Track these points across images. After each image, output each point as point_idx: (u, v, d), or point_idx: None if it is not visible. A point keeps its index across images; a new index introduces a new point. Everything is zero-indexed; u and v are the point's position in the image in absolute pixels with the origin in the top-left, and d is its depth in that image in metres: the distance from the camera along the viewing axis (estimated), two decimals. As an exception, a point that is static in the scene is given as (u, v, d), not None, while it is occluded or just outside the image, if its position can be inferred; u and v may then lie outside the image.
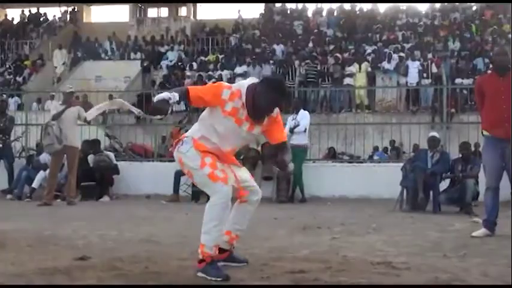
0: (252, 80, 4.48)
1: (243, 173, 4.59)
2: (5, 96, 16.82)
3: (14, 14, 31.96)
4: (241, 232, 4.68)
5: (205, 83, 21.54)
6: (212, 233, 4.26)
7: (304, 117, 11.55)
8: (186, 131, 4.69)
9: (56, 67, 26.09)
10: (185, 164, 4.40)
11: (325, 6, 27.67)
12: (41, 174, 11.72)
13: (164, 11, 32.35)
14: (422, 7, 26.92)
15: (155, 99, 4.12)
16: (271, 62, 21.35)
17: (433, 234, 6.68)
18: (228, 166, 4.45)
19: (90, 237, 6.22)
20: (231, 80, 21.25)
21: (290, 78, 19.74)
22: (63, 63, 26.17)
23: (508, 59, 6.58)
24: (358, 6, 27.56)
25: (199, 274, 4.25)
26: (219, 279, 4.16)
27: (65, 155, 10.64)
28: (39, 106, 21.48)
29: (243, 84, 4.40)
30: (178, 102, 4.14)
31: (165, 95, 4.10)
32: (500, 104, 6.36)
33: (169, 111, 4.08)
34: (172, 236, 6.36)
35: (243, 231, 4.71)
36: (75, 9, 31.79)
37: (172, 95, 4.10)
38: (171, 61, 24.74)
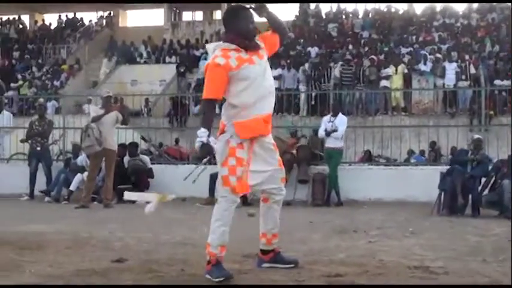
0: (213, 43, 4.62)
1: (276, 167, 4.56)
2: (42, 100, 17.05)
3: (52, 19, 32.53)
4: (276, 230, 4.67)
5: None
6: (216, 232, 4.32)
7: (342, 122, 11.47)
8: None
9: (101, 73, 26.51)
10: (216, 150, 4.40)
11: (360, 8, 27.54)
12: (78, 177, 11.86)
13: (199, 15, 32.56)
14: (460, 7, 26.59)
15: (197, 149, 4.32)
16: (306, 64, 21.28)
17: (471, 239, 6.57)
18: (261, 159, 4.46)
19: (127, 240, 6.26)
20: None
21: (325, 80, 19.66)
22: (109, 71, 26.55)
23: None
24: (394, 7, 27.35)
25: (207, 276, 4.27)
26: (221, 278, 4.18)
27: (103, 158, 10.77)
28: (78, 109, 21.75)
29: (218, 43, 4.51)
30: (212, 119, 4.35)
31: (198, 142, 4.27)
32: None
33: (213, 149, 4.30)
34: (208, 238, 6.35)
35: (278, 230, 4.70)
36: (111, 14, 32.18)
37: (202, 135, 4.27)
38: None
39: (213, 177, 11.52)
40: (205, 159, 4.49)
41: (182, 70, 24.12)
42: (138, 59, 27.57)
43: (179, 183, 12.46)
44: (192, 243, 5.98)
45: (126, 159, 12.20)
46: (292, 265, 4.65)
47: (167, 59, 26.97)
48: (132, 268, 4.63)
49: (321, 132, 11.49)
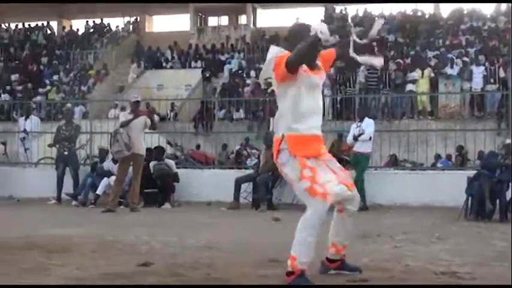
0: (277, 48, 4.46)
1: (342, 173, 4.46)
2: (70, 105, 17.25)
3: (79, 24, 32.92)
4: (347, 242, 4.59)
5: (265, 90, 21.66)
6: (304, 246, 4.21)
7: (369, 125, 11.43)
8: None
9: (129, 78, 26.76)
10: (286, 174, 4.33)
11: (386, 11, 27.42)
12: (104, 181, 11.96)
13: (224, 20, 32.68)
14: (487, 10, 26.33)
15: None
16: (331, 68, 21.23)
17: (499, 244, 6.49)
18: (326, 166, 4.34)
19: (153, 244, 6.29)
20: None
21: (350, 84, 19.60)
22: (136, 76, 26.79)
23: None
24: (420, 10, 27.19)
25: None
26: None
27: (131, 162, 10.85)
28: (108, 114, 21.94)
29: (279, 49, 4.41)
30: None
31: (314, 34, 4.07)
32: None
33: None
34: (233, 243, 6.38)
35: (349, 241, 4.63)
36: (138, 20, 32.45)
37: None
38: (231, 69, 24.95)
39: (238, 182, 11.57)
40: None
41: (208, 75, 24.23)
42: (164, 64, 27.78)
43: (205, 188, 12.66)
44: (217, 248, 5.99)
45: (152, 163, 12.28)
46: (357, 272, 4.58)
47: (193, 63, 27.13)
48: (157, 272, 4.65)
49: (350, 139, 11.46)
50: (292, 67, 4.18)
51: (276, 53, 4.35)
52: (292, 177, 4.27)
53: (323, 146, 4.46)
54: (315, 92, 4.36)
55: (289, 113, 4.30)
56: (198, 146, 17.22)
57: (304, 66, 4.26)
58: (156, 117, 12.45)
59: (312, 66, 4.34)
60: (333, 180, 4.27)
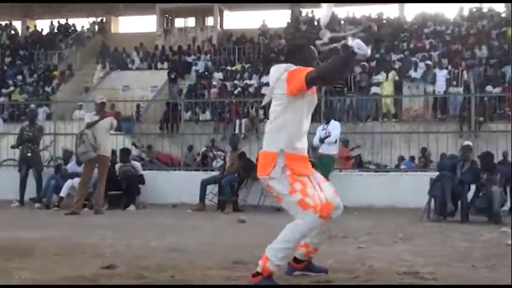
0: (284, 65, 4.38)
1: (326, 186, 4.43)
2: (33, 106, 17.02)
3: (44, 25, 32.48)
4: (319, 245, 4.60)
5: (232, 92, 21.68)
6: (283, 253, 4.19)
7: (335, 127, 11.54)
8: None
9: (95, 79, 26.52)
10: (273, 187, 4.27)
11: (351, 15, 27.67)
12: (68, 183, 11.83)
13: (191, 21, 32.59)
14: (450, 15, 26.75)
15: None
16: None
17: (461, 244, 6.61)
18: (314, 180, 4.32)
19: (117, 246, 6.25)
20: (258, 89, 21.33)
21: (317, 89, 19.70)
22: (101, 77, 26.56)
23: None
24: (385, 14, 27.52)
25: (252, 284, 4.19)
26: None
27: (96, 164, 10.77)
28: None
29: (286, 66, 4.34)
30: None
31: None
32: None
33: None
34: (199, 244, 6.37)
35: (321, 245, 4.64)
36: (103, 20, 32.18)
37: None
38: (198, 70, 24.93)
39: (204, 184, 11.56)
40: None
41: (174, 76, 24.16)
42: (129, 65, 27.61)
43: (170, 190, 12.61)
44: (182, 250, 5.98)
45: (118, 165, 12.19)
46: (323, 273, 4.60)
47: (159, 65, 27.03)
48: (121, 274, 4.63)
49: (316, 141, 11.53)
50: (315, 83, 4.17)
51: (284, 70, 4.29)
52: (282, 191, 4.22)
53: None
54: (310, 110, 4.38)
55: (292, 129, 4.27)
56: (149, 146, 17.13)
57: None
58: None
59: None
60: (321, 192, 4.29)
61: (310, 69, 4.18)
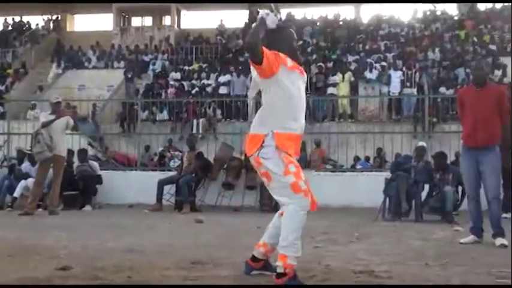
0: None
1: None
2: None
3: (-3, 22, 31.86)
4: (276, 245, 4.50)
5: (189, 92, 21.61)
6: (296, 244, 4.16)
7: None
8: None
9: (49, 78, 26.09)
10: (265, 166, 4.20)
11: (309, 16, 27.88)
12: (22, 183, 11.64)
13: (148, 20, 32.36)
14: (405, 17, 27.21)
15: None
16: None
17: (415, 243, 6.72)
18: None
19: (72, 247, 6.17)
20: (216, 89, 21.30)
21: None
22: (56, 76, 26.16)
23: (484, 74, 6.91)
24: (342, 16, 27.81)
25: None
26: None
27: (51, 164, 10.61)
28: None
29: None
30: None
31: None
32: (475, 115, 6.65)
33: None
34: (156, 245, 6.34)
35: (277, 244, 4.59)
36: (59, 18, 31.70)
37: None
38: (155, 70, 24.77)
39: (161, 184, 11.50)
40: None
41: (130, 75, 23.96)
42: (85, 64, 27.27)
43: (127, 190, 12.52)
44: (139, 250, 5.94)
45: (75, 165, 12.06)
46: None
47: (115, 64, 26.77)
48: (77, 275, 4.57)
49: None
50: (253, 55, 4.15)
51: None
52: (276, 171, 4.16)
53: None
54: (300, 90, 4.33)
55: (280, 110, 4.23)
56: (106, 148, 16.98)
57: (291, 64, 4.24)
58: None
59: (298, 63, 4.37)
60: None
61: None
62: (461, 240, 6.68)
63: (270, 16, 4.26)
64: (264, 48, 4.16)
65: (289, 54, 4.33)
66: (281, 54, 4.24)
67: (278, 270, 4.16)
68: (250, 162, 4.41)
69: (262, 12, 4.25)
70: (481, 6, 27.58)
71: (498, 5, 26.85)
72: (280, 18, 4.51)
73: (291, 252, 4.14)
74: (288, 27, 4.53)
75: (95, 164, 12.51)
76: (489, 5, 27.18)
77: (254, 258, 4.60)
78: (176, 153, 16.26)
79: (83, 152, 12.43)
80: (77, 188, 11.82)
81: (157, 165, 15.89)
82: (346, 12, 28.92)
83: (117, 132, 19.23)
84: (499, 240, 6.46)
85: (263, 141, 4.20)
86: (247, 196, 11.67)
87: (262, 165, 4.21)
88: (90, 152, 15.28)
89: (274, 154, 4.17)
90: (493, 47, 23.13)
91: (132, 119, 18.74)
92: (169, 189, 11.70)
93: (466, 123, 6.83)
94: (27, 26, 30.84)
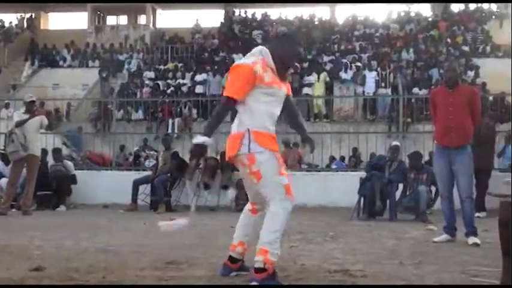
0: (259, 48, 4.47)
1: None
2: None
3: (-31, 20, 31.44)
4: (254, 242, 4.53)
5: (164, 91, 21.53)
6: (277, 242, 4.19)
7: None
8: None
9: (23, 76, 25.82)
10: (258, 164, 4.20)
11: (284, 16, 27.95)
12: (-6, 183, 11.52)
13: (123, 19, 32.18)
14: (380, 18, 27.41)
15: (194, 142, 4.26)
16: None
17: (389, 242, 6.78)
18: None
19: (46, 248, 6.12)
20: (191, 89, 21.25)
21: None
22: (30, 75, 25.90)
23: (456, 75, 7.01)
24: (317, 16, 27.93)
25: (253, 283, 4.14)
26: None
27: (25, 164, 10.50)
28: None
29: (259, 52, 4.41)
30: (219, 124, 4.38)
31: (199, 140, 4.23)
32: (448, 115, 6.76)
33: (206, 153, 4.39)
34: (131, 245, 6.31)
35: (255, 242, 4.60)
36: (33, 16, 31.37)
37: (206, 140, 4.23)
38: (130, 69, 24.65)
39: (136, 184, 11.44)
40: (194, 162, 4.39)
41: (105, 75, 23.81)
42: (60, 63, 27.03)
43: (101, 190, 12.42)
44: (114, 250, 5.91)
45: (50, 164, 11.95)
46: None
47: (90, 63, 26.60)
48: (51, 276, 4.53)
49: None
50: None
51: (252, 56, 4.41)
52: (269, 170, 4.19)
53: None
54: (277, 101, 4.39)
55: (256, 113, 4.29)
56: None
57: (268, 79, 4.27)
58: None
59: (282, 76, 4.39)
60: None
61: (232, 83, 4.32)
62: (435, 239, 6.76)
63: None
64: (236, 90, 4.26)
65: (285, 65, 4.38)
66: (258, 72, 4.24)
67: (257, 266, 4.16)
68: (233, 161, 4.45)
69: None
70: (455, 8, 27.94)
71: (472, 7, 27.22)
72: None
73: (272, 249, 4.15)
74: (289, 35, 4.57)
75: (69, 164, 12.41)
76: (462, 7, 27.54)
77: (232, 259, 4.59)
78: (151, 152, 16.19)
79: (57, 152, 12.32)
80: (51, 188, 11.71)
81: (132, 164, 15.80)
82: (322, 12, 29.06)
83: (91, 131, 19.08)
84: (472, 239, 6.54)
85: (241, 139, 4.25)
86: (223, 196, 11.66)
87: (254, 164, 4.22)
88: (65, 151, 15.14)
89: (264, 150, 4.22)
90: (466, 48, 23.44)
91: (107, 118, 18.61)
92: (145, 189, 11.65)
93: (438, 123, 6.94)
94: (0, 24, 30.46)
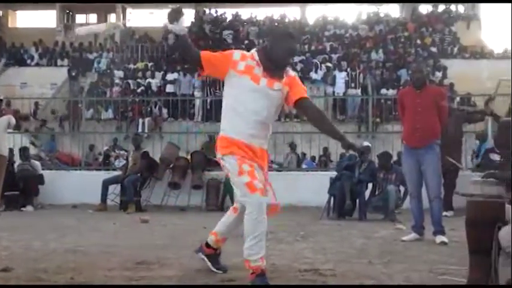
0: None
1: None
2: None
3: None
4: (228, 236, 4.76)
5: (134, 91, 21.40)
6: (257, 247, 4.15)
7: None
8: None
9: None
10: (225, 166, 4.31)
11: (254, 16, 27.99)
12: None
13: (93, 17, 31.91)
14: (349, 19, 27.60)
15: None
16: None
17: (358, 241, 6.83)
18: (260, 168, 4.34)
19: (14, 248, 6.05)
20: (162, 88, 21.16)
21: (220, 87, 19.80)
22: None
23: (423, 76, 7.08)
24: (288, 16, 28.02)
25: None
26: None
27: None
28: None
29: (253, 50, 4.44)
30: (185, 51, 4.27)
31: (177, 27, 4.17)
32: (415, 116, 6.86)
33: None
34: (100, 245, 6.27)
35: (229, 236, 4.78)
36: (0, 14, 30.92)
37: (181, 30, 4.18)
38: (100, 68, 24.45)
39: (106, 184, 11.36)
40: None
41: (74, 73, 23.58)
42: (28, 61, 26.68)
43: (70, 190, 12.30)
44: (83, 251, 5.86)
45: (17, 164, 11.78)
46: (220, 271, 4.67)
47: (59, 61, 26.29)
48: (19, 277, 4.49)
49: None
50: (189, 61, 4.45)
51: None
52: (232, 170, 4.22)
53: (262, 157, 4.41)
54: (247, 98, 4.24)
55: (229, 115, 4.31)
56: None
57: (242, 68, 4.23)
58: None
59: (270, 71, 4.27)
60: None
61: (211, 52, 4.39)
62: (403, 238, 6.84)
63: (177, 25, 4.22)
64: (207, 52, 4.28)
65: (273, 61, 4.28)
66: (234, 57, 4.26)
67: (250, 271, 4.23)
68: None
69: (170, 27, 4.22)
70: (423, 9, 28.29)
71: (440, 8, 27.59)
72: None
73: (251, 257, 4.18)
74: (293, 38, 4.41)
75: (37, 164, 12.26)
76: (430, 8, 27.91)
77: (207, 244, 4.77)
78: (121, 152, 16.08)
79: (25, 150, 12.16)
80: (18, 188, 11.55)
81: (102, 164, 15.68)
82: (292, 12, 29.17)
83: (60, 131, 18.89)
84: (440, 238, 6.63)
85: (218, 142, 4.37)
86: (193, 196, 11.63)
87: (224, 167, 4.33)
88: (33, 151, 14.96)
89: (229, 158, 4.25)
90: (434, 49, 23.74)
91: (76, 117, 18.44)
92: (114, 189, 11.56)
93: (406, 123, 7.05)
94: (-34, 21, 30.05)
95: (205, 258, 4.76)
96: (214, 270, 4.69)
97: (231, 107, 4.30)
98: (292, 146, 15.61)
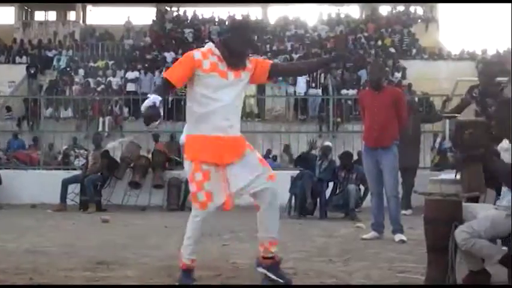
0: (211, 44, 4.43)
1: (244, 173, 4.43)
2: None
3: None
4: (272, 237, 4.54)
5: (95, 89, 21.17)
6: (188, 249, 4.25)
7: None
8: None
9: None
10: (185, 169, 4.35)
11: (217, 15, 27.97)
12: None
13: (52, 15, 31.45)
14: (310, 19, 27.80)
15: (143, 108, 3.95)
16: (162, 68, 21.25)
17: (319, 240, 6.90)
18: (223, 175, 4.26)
19: (-29, 249, 5.95)
20: (122, 87, 20.98)
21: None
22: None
23: (379, 77, 7.16)
24: (250, 16, 28.05)
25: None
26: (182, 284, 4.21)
27: None
28: None
29: (208, 44, 4.41)
30: (164, 97, 4.12)
31: (149, 101, 3.93)
32: (373, 116, 6.97)
33: (161, 114, 4.00)
34: (60, 246, 6.20)
35: (274, 236, 4.56)
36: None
37: (155, 98, 3.95)
38: (59, 66, 24.11)
39: (65, 183, 11.23)
40: (154, 123, 3.95)
41: (33, 71, 23.21)
42: (-16, 59, 26.18)
43: (29, 189, 12.12)
44: (42, 251, 5.80)
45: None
46: (282, 282, 4.33)
47: (17, 59, 25.83)
48: (-24, 279, 4.42)
49: (182, 139, 11.50)
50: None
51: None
52: (187, 176, 4.28)
53: (235, 148, 4.38)
54: (217, 93, 4.22)
55: (194, 111, 4.29)
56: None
57: (207, 66, 4.21)
58: None
59: (232, 64, 4.26)
60: (237, 182, 4.36)
61: (172, 68, 4.32)
62: (363, 237, 6.93)
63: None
64: (170, 71, 4.27)
65: (234, 53, 4.27)
66: (196, 57, 4.23)
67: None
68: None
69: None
70: (383, 11, 28.66)
71: (400, 9, 27.98)
72: None
73: (184, 255, 4.25)
74: (251, 30, 4.44)
75: (-7, 164, 12.07)
76: (389, 9, 28.29)
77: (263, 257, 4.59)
78: (81, 151, 15.88)
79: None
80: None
81: (61, 164, 15.45)
82: (254, 12, 29.21)
83: (17, 130, 18.57)
84: (398, 236, 6.74)
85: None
86: (154, 195, 11.58)
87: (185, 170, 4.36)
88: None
89: (187, 160, 4.27)
90: (393, 50, 24.06)
91: (35, 116, 18.15)
92: (74, 189, 11.44)
93: (365, 124, 7.16)
94: None
95: (265, 271, 4.44)
96: (277, 279, 4.39)
97: (203, 105, 4.25)
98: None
